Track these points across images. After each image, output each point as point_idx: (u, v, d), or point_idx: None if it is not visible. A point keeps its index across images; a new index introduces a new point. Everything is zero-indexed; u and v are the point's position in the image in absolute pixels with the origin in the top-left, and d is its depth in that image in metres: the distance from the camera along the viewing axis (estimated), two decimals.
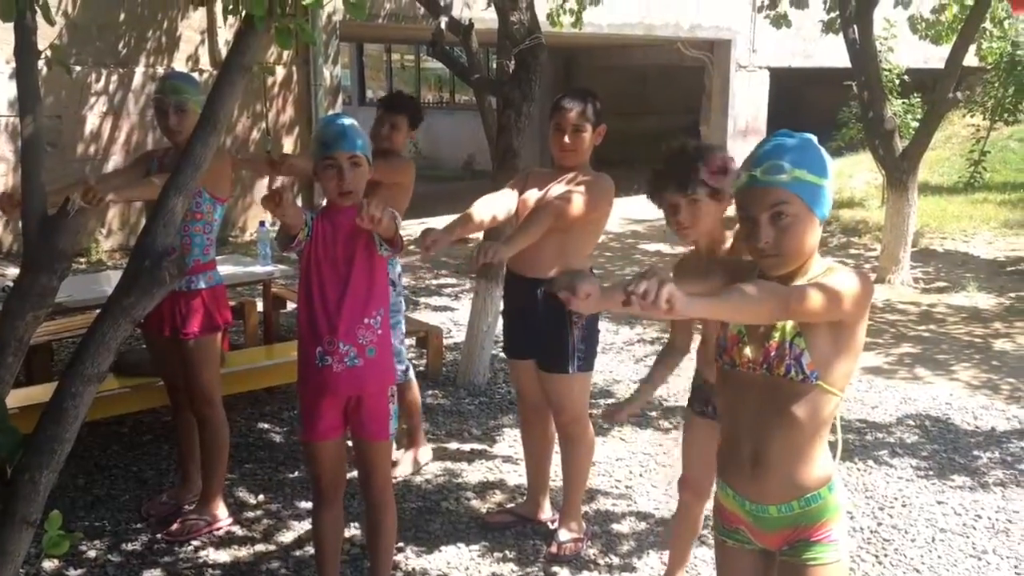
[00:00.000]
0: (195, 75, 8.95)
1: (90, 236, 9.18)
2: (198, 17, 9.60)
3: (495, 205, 3.41)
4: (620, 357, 6.11)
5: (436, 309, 7.31)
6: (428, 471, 4.31)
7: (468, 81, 5.46)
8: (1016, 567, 3.56)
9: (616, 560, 3.57)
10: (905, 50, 11.55)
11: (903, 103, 11.24)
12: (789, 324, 1.94)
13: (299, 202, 9.86)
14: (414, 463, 4.30)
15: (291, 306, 6.03)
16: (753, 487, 2.05)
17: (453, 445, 4.63)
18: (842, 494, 2.08)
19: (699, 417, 2.98)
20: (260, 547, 3.63)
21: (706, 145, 2.81)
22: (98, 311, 2.15)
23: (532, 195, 3.42)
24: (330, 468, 2.98)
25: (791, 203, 1.90)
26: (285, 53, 9.98)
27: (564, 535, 3.59)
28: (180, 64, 9.58)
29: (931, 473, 4.35)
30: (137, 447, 4.53)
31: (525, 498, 3.90)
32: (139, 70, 9.47)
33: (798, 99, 15.65)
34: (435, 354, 5.62)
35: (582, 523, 3.68)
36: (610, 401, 5.25)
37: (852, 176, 12.93)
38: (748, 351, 2.01)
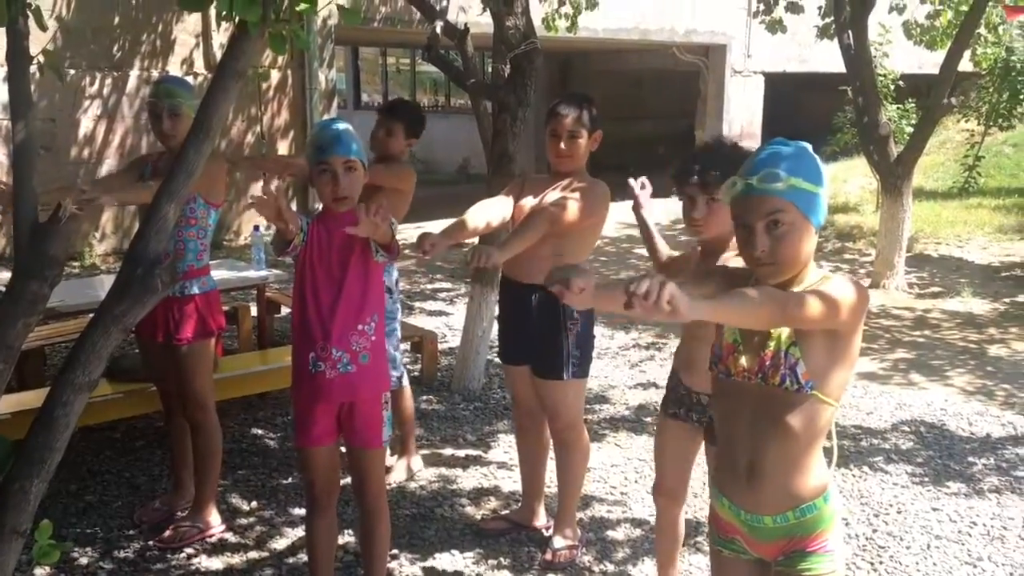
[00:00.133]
0: (190, 79, 8.95)
1: (84, 240, 9.16)
2: (193, 21, 9.58)
3: (490, 211, 3.41)
4: (615, 362, 6.10)
5: (431, 314, 7.30)
6: (422, 477, 4.29)
7: (463, 86, 5.45)
8: (1011, 574, 3.56)
9: (611, 567, 3.55)
10: (900, 55, 11.58)
11: (898, 108, 11.25)
12: (785, 333, 1.93)
13: (293, 206, 9.84)
14: (407, 470, 4.29)
15: (285, 311, 6.02)
16: (748, 497, 2.04)
17: (448, 451, 4.61)
18: (837, 503, 2.08)
19: (672, 420, 2.95)
20: (253, 554, 3.61)
21: (742, 151, 2.69)
22: (91, 316, 2.14)
23: (528, 202, 3.41)
24: (323, 474, 2.97)
25: (787, 211, 1.89)
26: (280, 57, 9.96)
27: (559, 542, 3.58)
28: (175, 68, 9.56)
29: (926, 479, 4.34)
30: (130, 453, 4.51)
31: (520, 505, 3.89)
32: (133, 73, 9.45)
33: (793, 104, 15.68)
34: (430, 359, 5.60)
35: (577, 530, 3.67)
36: (606, 407, 5.25)
37: (847, 181, 12.95)
38: (743, 360, 2.00)
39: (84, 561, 3.52)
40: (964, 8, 8.42)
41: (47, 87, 8.53)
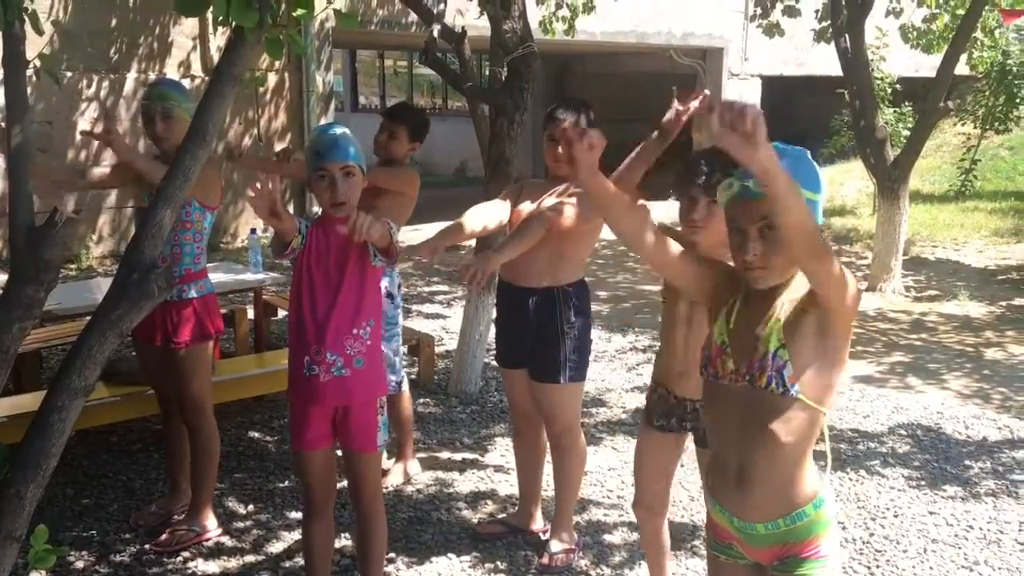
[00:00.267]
0: (187, 81, 8.96)
1: (80, 242, 9.15)
2: (190, 24, 9.58)
3: (488, 215, 3.41)
4: (612, 365, 6.10)
5: (428, 317, 7.30)
6: (419, 481, 4.29)
7: (460, 89, 5.45)
8: None
9: (608, 571, 3.55)
10: (896, 59, 11.61)
11: (894, 111, 11.29)
12: (774, 335, 1.94)
13: (290, 209, 9.84)
14: (404, 473, 4.28)
15: (282, 313, 6.01)
16: (739, 504, 2.04)
17: (444, 454, 4.61)
18: (832, 508, 2.07)
19: (658, 432, 2.93)
20: (250, 558, 3.60)
21: None
22: (88, 319, 2.14)
23: (527, 207, 3.41)
24: (320, 478, 2.96)
25: None
26: (277, 60, 9.97)
27: (555, 546, 3.58)
28: (172, 71, 9.56)
29: (923, 483, 4.35)
30: (126, 456, 4.50)
31: (516, 508, 3.88)
32: (131, 76, 9.44)
33: (790, 107, 15.68)
34: (427, 362, 5.60)
35: (573, 534, 3.67)
36: (602, 410, 5.25)
37: (843, 184, 12.97)
38: (731, 363, 2.00)
39: (80, 565, 3.51)
40: (960, 12, 8.45)
41: (44, 90, 8.54)
